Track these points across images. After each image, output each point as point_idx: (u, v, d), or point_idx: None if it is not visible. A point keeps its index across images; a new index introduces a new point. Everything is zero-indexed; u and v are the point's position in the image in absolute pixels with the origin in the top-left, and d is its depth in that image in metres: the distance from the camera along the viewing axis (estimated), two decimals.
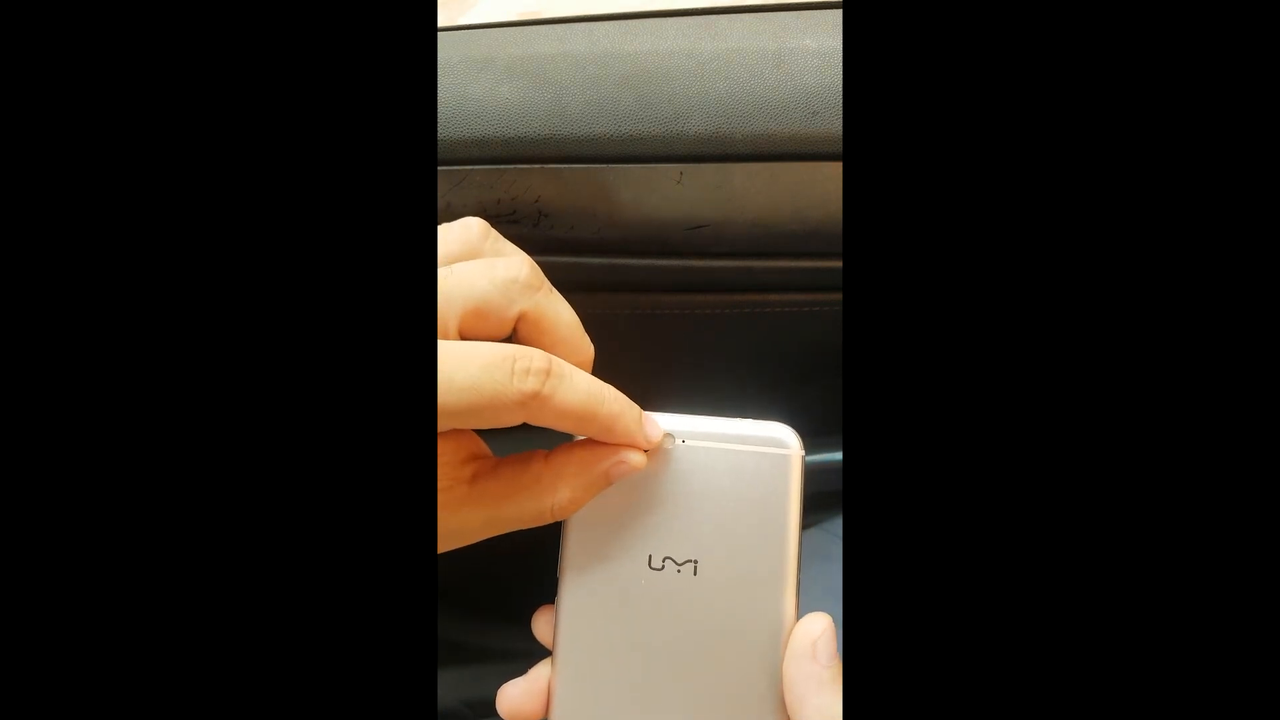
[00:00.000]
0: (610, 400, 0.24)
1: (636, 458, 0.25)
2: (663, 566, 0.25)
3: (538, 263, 0.26)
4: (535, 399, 0.22)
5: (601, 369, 0.48)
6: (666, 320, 0.44)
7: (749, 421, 0.26)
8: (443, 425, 0.22)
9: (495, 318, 0.24)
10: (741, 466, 0.26)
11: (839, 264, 0.41)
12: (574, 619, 0.26)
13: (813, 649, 0.24)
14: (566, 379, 0.23)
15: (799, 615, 0.25)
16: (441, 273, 0.24)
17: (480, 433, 0.26)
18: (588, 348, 0.27)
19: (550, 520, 0.25)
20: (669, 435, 0.26)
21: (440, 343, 0.22)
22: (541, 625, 0.27)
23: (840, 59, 0.39)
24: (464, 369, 0.22)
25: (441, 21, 0.42)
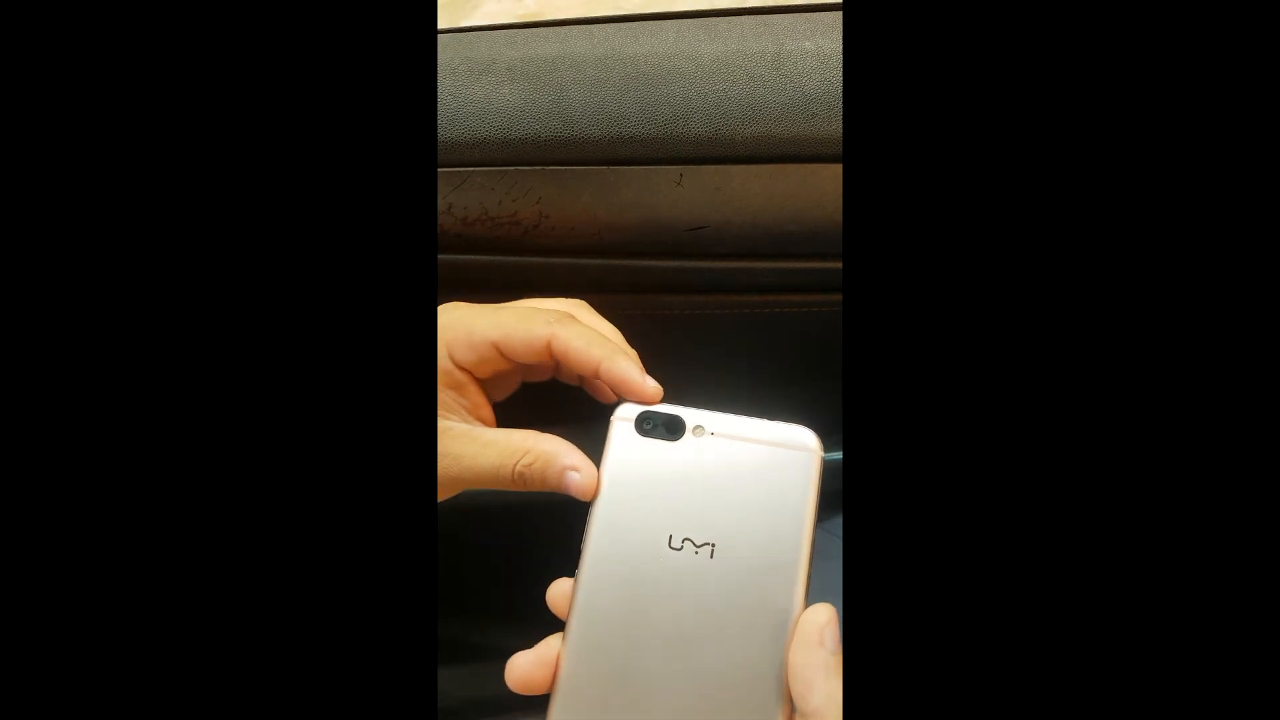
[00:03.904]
0: (608, 341, 0.30)
1: (587, 477, 0.28)
2: (681, 547, 0.27)
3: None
4: (559, 321, 0.29)
5: None
6: (666, 320, 0.44)
7: (775, 422, 0.28)
8: (489, 334, 0.29)
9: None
10: (765, 462, 0.27)
11: (838, 265, 0.41)
12: (592, 590, 0.27)
13: (820, 635, 0.24)
14: (573, 322, 0.30)
15: (808, 605, 0.26)
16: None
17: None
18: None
19: (504, 483, 0.29)
20: (699, 427, 0.28)
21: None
22: (556, 596, 0.28)
23: (839, 61, 0.39)
24: (513, 310, 0.30)
25: (444, 24, 0.42)
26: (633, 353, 0.31)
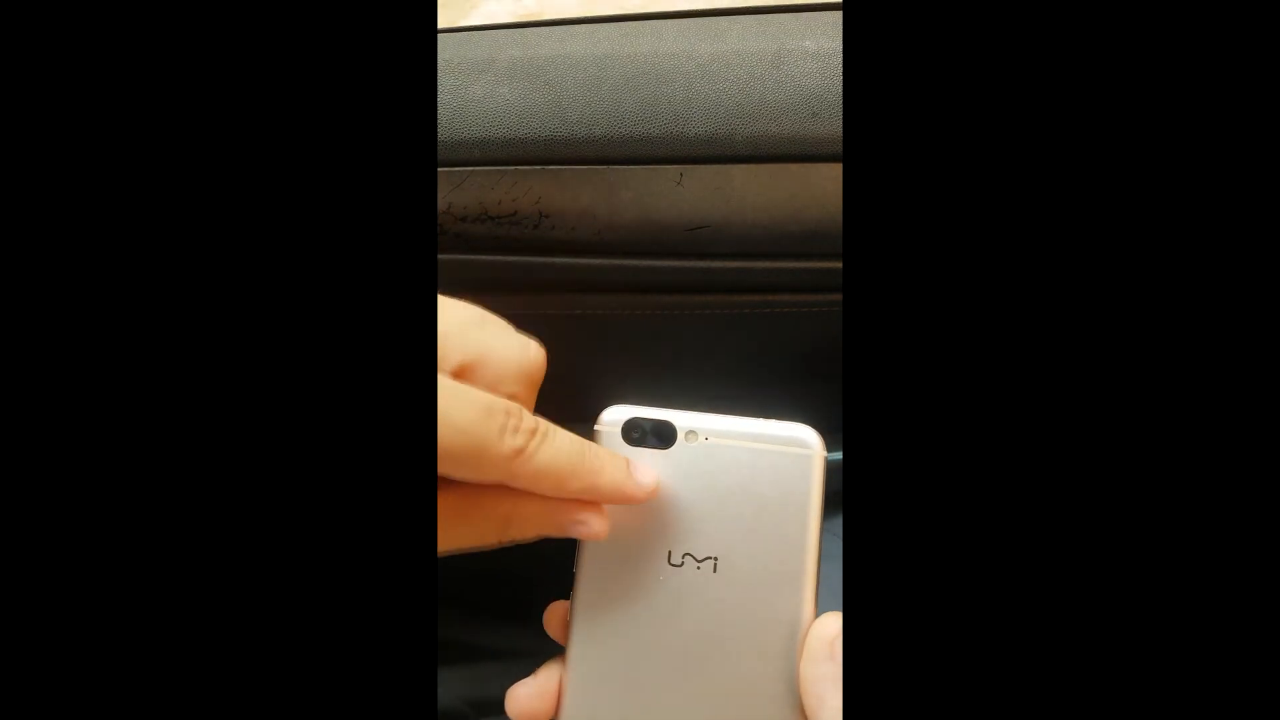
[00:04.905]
0: (592, 455, 0.24)
1: (599, 524, 0.24)
2: (682, 563, 0.25)
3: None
4: (520, 455, 0.22)
5: (601, 369, 0.48)
6: (666, 320, 0.44)
7: (771, 421, 0.26)
8: (441, 466, 0.21)
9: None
10: (764, 465, 0.26)
11: (838, 264, 0.41)
12: (590, 614, 0.26)
13: (830, 649, 0.24)
14: (550, 438, 0.23)
15: (816, 615, 0.25)
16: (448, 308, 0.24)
17: None
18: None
19: (500, 546, 0.24)
20: (692, 432, 0.26)
21: (442, 379, 0.22)
22: (554, 621, 0.26)
23: (839, 60, 0.40)
24: (464, 411, 0.21)
25: (443, 24, 0.42)
26: (596, 461, 0.24)
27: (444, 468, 0.21)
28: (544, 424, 0.23)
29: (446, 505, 0.23)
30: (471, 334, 0.24)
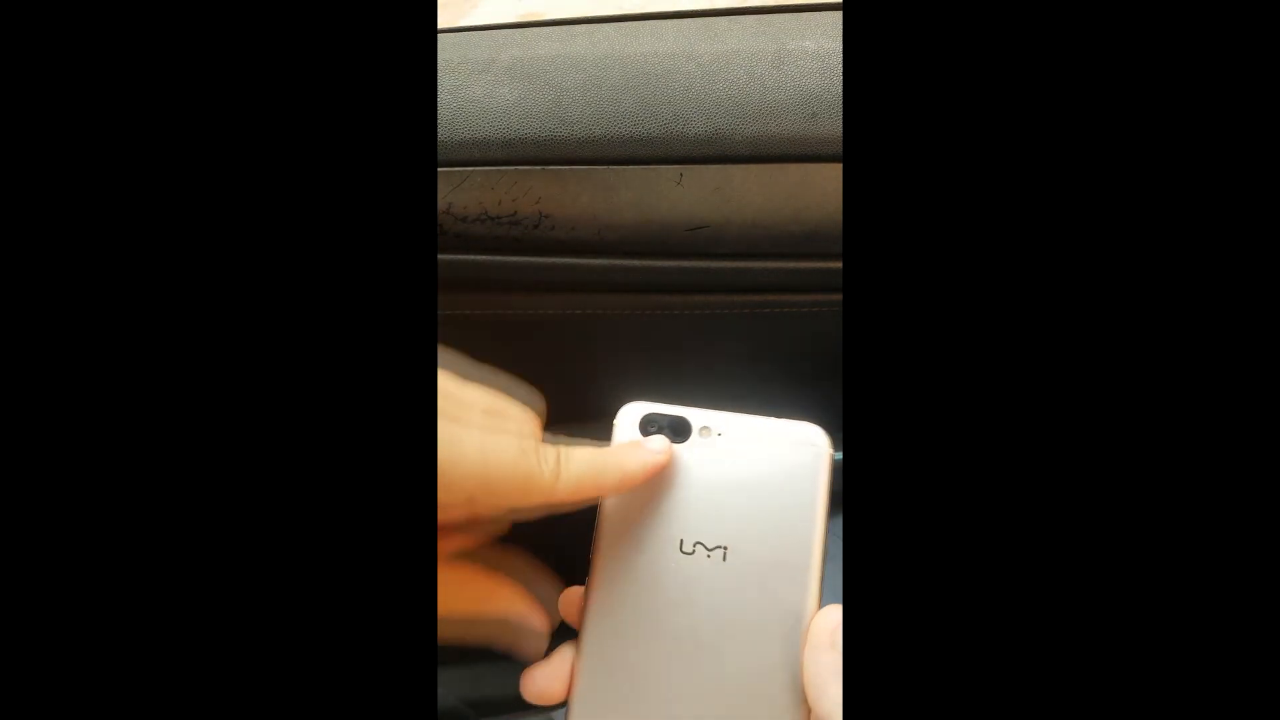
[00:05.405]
0: (608, 450, 0.26)
1: (537, 648, 0.26)
2: (693, 551, 0.26)
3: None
4: (558, 477, 0.24)
5: (601, 370, 0.48)
6: (666, 321, 0.44)
7: (782, 420, 0.27)
8: (495, 501, 0.23)
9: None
10: (774, 461, 0.27)
11: (838, 265, 0.42)
12: (604, 599, 0.27)
13: (831, 638, 0.24)
14: (570, 453, 0.25)
15: (821, 607, 0.26)
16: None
17: None
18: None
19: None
20: (706, 428, 0.27)
21: (477, 419, 0.23)
22: (569, 606, 0.27)
23: (839, 61, 0.40)
24: (507, 448, 0.23)
25: (443, 23, 0.42)
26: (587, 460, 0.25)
27: (499, 501, 0.23)
28: (557, 445, 0.25)
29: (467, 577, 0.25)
30: (492, 382, 0.25)
